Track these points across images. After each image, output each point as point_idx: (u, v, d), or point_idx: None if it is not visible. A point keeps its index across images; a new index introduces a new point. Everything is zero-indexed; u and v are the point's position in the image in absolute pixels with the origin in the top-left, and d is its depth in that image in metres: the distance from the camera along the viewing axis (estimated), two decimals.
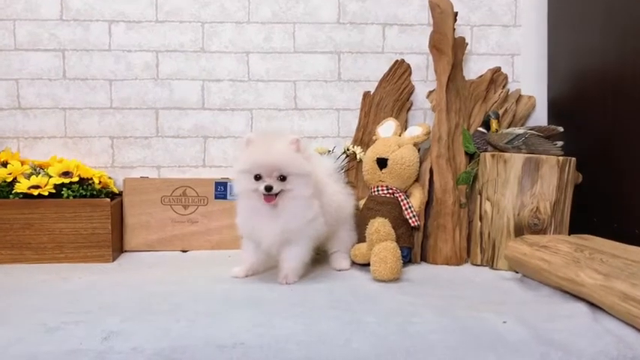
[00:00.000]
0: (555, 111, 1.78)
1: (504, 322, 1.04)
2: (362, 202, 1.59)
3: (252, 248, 1.35)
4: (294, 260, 1.31)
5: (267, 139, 1.28)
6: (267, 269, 1.39)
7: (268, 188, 1.23)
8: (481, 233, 1.53)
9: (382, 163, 1.53)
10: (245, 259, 1.37)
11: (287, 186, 1.25)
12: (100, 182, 1.60)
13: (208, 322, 1.04)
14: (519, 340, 0.96)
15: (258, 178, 1.25)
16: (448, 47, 1.62)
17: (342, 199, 1.47)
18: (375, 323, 1.04)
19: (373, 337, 0.97)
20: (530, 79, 1.83)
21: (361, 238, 1.45)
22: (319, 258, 1.49)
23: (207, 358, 0.90)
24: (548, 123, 1.77)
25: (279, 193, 1.25)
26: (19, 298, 1.21)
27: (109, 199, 1.55)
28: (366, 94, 1.77)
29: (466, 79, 1.74)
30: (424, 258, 1.58)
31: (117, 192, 1.69)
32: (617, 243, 1.30)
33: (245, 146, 1.27)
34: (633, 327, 1.00)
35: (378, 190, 1.54)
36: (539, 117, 1.81)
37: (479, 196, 1.55)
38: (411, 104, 1.79)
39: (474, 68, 1.82)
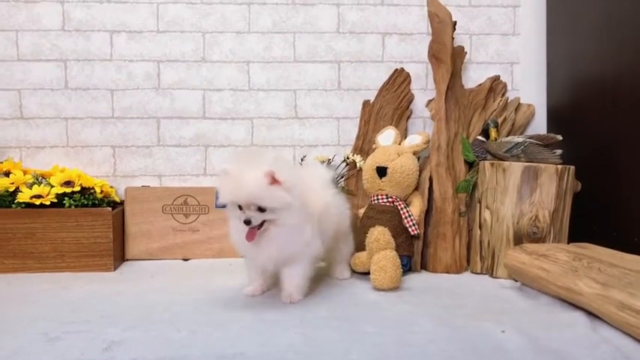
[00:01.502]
0: (554, 119, 1.78)
1: (503, 331, 1.05)
2: (362, 211, 1.60)
3: (254, 266, 1.31)
4: (296, 278, 1.26)
5: (241, 170, 1.18)
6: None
7: (247, 222, 1.17)
8: (481, 241, 1.54)
9: (382, 171, 1.54)
10: (254, 278, 1.32)
11: (268, 216, 1.18)
12: (101, 191, 1.61)
13: (209, 331, 1.05)
14: (517, 349, 0.97)
15: (241, 207, 1.19)
16: (447, 56, 1.63)
17: (341, 211, 1.44)
18: (374, 333, 1.05)
19: (372, 347, 0.98)
20: (530, 87, 1.84)
21: (361, 247, 1.46)
22: (317, 267, 1.49)
23: None
24: (548, 131, 1.78)
25: (263, 223, 1.19)
26: (21, 307, 1.22)
27: (110, 208, 1.56)
28: (365, 103, 1.78)
29: (465, 87, 1.75)
30: (424, 266, 1.58)
31: (118, 201, 1.70)
32: (615, 251, 1.30)
33: (222, 177, 1.20)
34: (630, 336, 1.00)
35: (377, 199, 1.54)
36: (539, 125, 1.82)
37: (478, 205, 1.56)
38: (411, 113, 1.80)
39: (474, 77, 1.83)
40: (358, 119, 1.79)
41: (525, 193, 1.47)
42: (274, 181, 1.16)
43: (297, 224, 1.22)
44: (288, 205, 1.18)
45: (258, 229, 1.19)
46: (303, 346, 0.98)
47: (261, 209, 1.17)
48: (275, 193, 1.16)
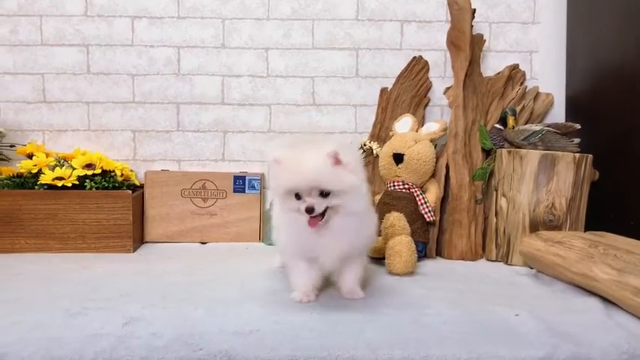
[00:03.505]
0: (573, 108, 1.77)
1: (516, 315, 1.05)
2: (378, 198, 1.60)
3: (305, 268, 1.14)
4: (358, 272, 1.18)
5: (298, 154, 1.08)
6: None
7: (309, 210, 1.04)
8: (496, 229, 1.54)
9: (398, 158, 1.54)
10: (302, 283, 1.15)
11: (333, 201, 1.06)
12: (122, 174, 1.64)
13: (225, 310, 1.07)
14: (530, 333, 0.97)
15: (298, 197, 1.07)
16: (465, 44, 1.63)
17: None
18: (388, 314, 1.06)
19: (386, 328, 0.99)
20: (549, 76, 1.82)
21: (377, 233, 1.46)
22: None
23: (224, 343, 0.92)
24: (566, 120, 1.77)
25: (325, 210, 1.06)
26: (43, 285, 1.25)
27: (130, 191, 1.59)
28: (383, 90, 1.78)
29: (484, 75, 1.74)
30: (439, 253, 1.59)
31: (138, 184, 1.73)
32: (632, 240, 1.29)
33: (275, 166, 1.09)
34: None
35: (394, 185, 1.55)
36: (558, 114, 1.80)
37: (495, 192, 1.56)
38: (429, 100, 1.80)
39: (492, 65, 1.82)
40: (376, 106, 1.79)
41: (542, 181, 1.46)
42: (338, 162, 1.05)
43: (364, 211, 1.12)
44: (354, 188, 1.07)
45: (322, 217, 1.06)
46: (318, 325, 1.00)
47: (323, 194, 1.05)
48: (340, 175, 1.05)
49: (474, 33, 1.67)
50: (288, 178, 1.07)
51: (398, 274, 1.35)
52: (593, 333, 0.97)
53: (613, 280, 1.08)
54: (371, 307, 1.10)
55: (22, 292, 1.19)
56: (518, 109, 1.68)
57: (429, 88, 1.79)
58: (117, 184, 1.61)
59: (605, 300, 1.11)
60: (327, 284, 1.21)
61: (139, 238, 1.67)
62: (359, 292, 1.18)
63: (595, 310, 1.08)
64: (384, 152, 1.59)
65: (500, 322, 1.02)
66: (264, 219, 1.73)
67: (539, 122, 1.73)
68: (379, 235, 1.43)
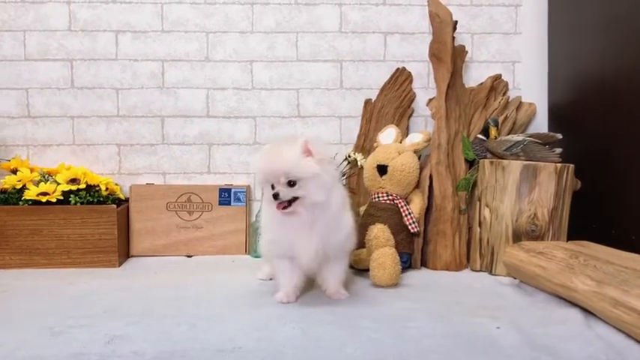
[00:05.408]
0: (556, 118, 1.79)
1: (498, 327, 1.06)
2: (362, 209, 1.61)
3: (289, 268, 1.24)
4: (340, 274, 1.28)
5: (276, 145, 1.22)
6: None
7: (275, 195, 1.16)
8: (480, 239, 1.55)
9: (382, 169, 1.55)
10: (286, 282, 1.24)
11: (298, 192, 1.17)
12: (106, 189, 1.64)
13: (208, 326, 1.07)
14: (511, 345, 0.98)
15: (273, 187, 1.18)
16: (447, 55, 1.64)
17: None
18: (370, 328, 1.06)
19: (368, 342, 1.00)
20: (531, 86, 1.84)
21: (361, 244, 1.47)
22: None
23: None
24: (549, 130, 1.79)
25: (293, 201, 1.17)
26: (27, 302, 1.25)
27: (115, 206, 1.59)
28: (367, 102, 1.79)
29: (467, 86, 1.76)
30: (424, 264, 1.60)
31: (123, 198, 1.73)
32: (613, 249, 1.31)
33: (257, 158, 1.23)
34: (624, 333, 1.02)
35: (378, 197, 1.56)
36: (540, 124, 1.82)
37: (478, 203, 1.57)
38: (412, 111, 1.82)
39: (475, 76, 1.84)
40: (360, 118, 1.80)
41: (524, 191, 1.48)
42: (308, 152, 1.17)
43: (336, 209, 1.21)
44: (315, 175, 1.17)
45: (288, 206, 1.17)
46: (300, 341, 1.00)
47: (291, 183, 1.17)
48: (305, 164, 1.17)
49: (456, 44, 1.69)
50: (263, 167, 1.20)
51: (382, 286, 1.35)
52: (573, 345, 0.98)
53: (592, 291, 1.09)
54: (354, 320, 1.10)
55: (7, 310, 1.19)
56: (501, 119, 1.70)
57: (412, 99, 1.81)
58: (102, 199, 1.61)
59: (586, 311, 1.12)
60: (308, 297, 1.22)
61: (124, 253, 1.67)
62: (343, 292, 1.27)
63: (575, 322, 1.09)
64: (368, 164, 1.60)
65: (482, 334, 1.03)
66: (250, 231, 1.73)
67: (521, 132, 1.75)
68: (363, 246, 1.44)
